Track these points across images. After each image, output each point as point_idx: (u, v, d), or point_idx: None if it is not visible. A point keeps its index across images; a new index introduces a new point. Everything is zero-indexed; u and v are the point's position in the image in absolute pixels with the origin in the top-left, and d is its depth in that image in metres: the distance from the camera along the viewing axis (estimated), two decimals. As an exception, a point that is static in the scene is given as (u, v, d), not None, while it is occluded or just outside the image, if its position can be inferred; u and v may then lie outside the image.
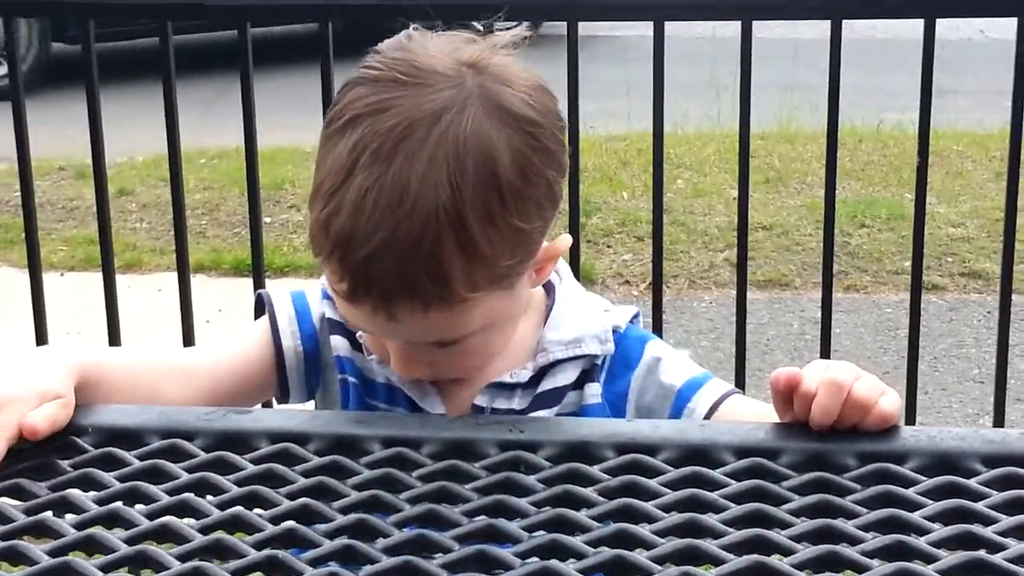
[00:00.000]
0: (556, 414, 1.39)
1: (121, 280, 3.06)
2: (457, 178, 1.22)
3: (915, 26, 2.69)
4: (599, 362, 1.41)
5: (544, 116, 1.29)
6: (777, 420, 1.22)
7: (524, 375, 1.39)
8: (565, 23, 2.63)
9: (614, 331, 1.42)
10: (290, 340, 1.42)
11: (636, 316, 1.46)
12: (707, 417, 1.38)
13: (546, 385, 1.39)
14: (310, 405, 1.47)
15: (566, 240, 1.40)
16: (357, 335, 1.40)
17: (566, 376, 1.40)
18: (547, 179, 1.29)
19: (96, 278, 2.95)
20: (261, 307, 1.46)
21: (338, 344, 1.41)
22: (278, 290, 1.48)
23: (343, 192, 1.23)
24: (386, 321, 1.26)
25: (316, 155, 1.31)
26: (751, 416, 1.30)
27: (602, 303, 1.47)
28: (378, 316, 1.26)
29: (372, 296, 1.24)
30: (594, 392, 1.40)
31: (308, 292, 1.46)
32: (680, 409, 1.40)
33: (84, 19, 2.72)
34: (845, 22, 2.64)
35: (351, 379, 1.40)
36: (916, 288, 2.77)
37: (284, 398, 1.44)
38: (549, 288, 1.45)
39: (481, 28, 1.37)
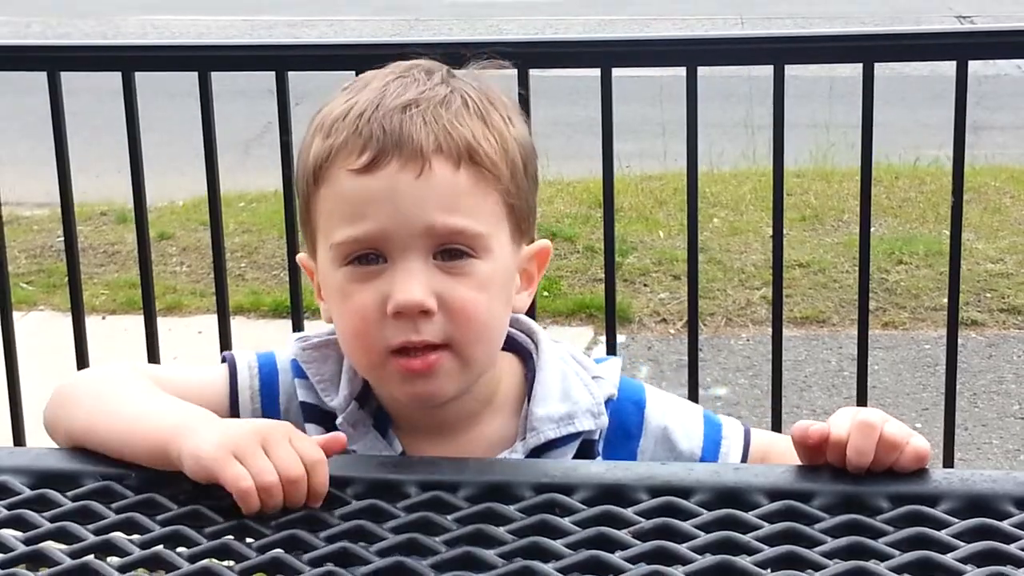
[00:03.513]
0: None
1: (162, 323, 3.10)
2: (475, 87, 1.33)
3: (951, 62, 2.70)
4: (595, 436, 1.36)
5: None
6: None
7: (515, 459, 1.34)
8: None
9: (607, 400, 1.37)
10: (249, 418, 1.37)
11: (619, 366, 1.43)
12: None
13: None
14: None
15: (543, 242, 1.39)
16: (337, 421, 1.34)
17: (562, 458, 1.35)
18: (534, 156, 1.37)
19: (137, 321, 2.98)
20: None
21: (313, 434, 1.32)
22: (245, 356, 1.41)
23: (358, 94, 1.31)
24: (413, 180, 1.25)
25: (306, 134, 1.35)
26: (785, 458, 1.31)
27: (586, 365, 1.41)
28: (404, 176, 1.25)
29: (404, 149, 1.25)
30: None
31: (278, 358, 1.41)
32: None
33: (127, 71, 2.77)
34: (881, 59, 2.66)
35: None
36: (953, 325, 2.76)
37: None
38: (526, 356, 1.40)
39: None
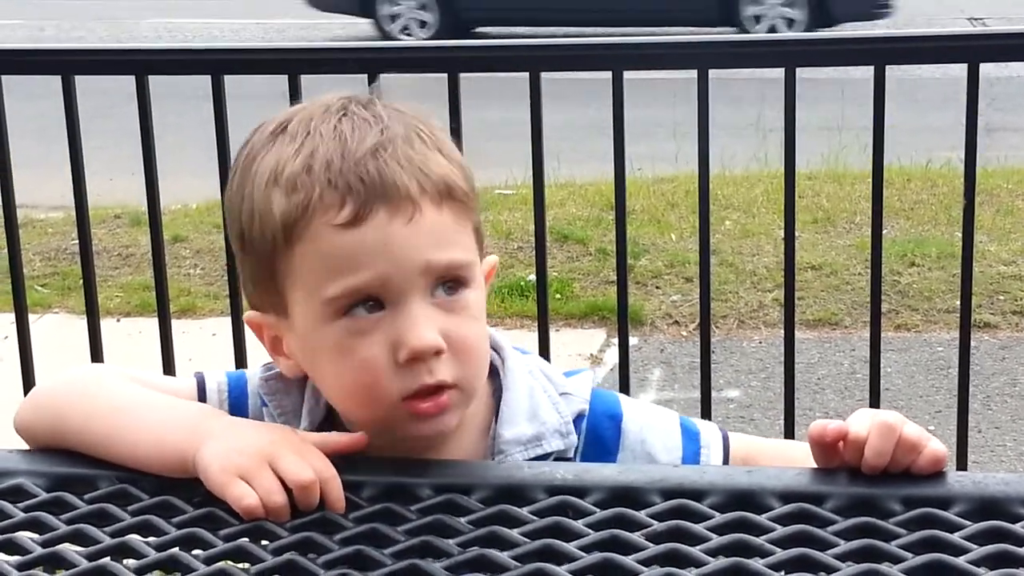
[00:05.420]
0: None
1: (176, 325, 3.11)
2: (415, 117, 1.30)
3: (963, 64, 2.70)
4: (569, 455, 1.34)
5: None
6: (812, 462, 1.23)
7: (528, 461, 1.31)
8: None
9: (579, 416, 1.36)
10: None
11: (591, 379, 1.40)
12: None
13: None
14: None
15: (492, 257, 1.37)
16: None
17: None
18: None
19: (152, 323, 3.00)
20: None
21: None
22: (215, 377, 1.40)
23: (311, 141, 1.25)
24: (404, 226, 1.22)
25: (233, 185, 1.29)
26: (768, 460, 1.32)
27: (554, 380, 1.39)
28: (395, 223, 1.22)
29: (390, 197, 1.22)
30: None
31: (250, 382, 1.38)
32: None
33: (141, 75, 2.78)
34: (892, 61, 2.66)
35: None
36: (965, 328, 2.76)
37: None
38: (492, 371, 1.37)
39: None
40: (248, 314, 1.33)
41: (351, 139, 1.24)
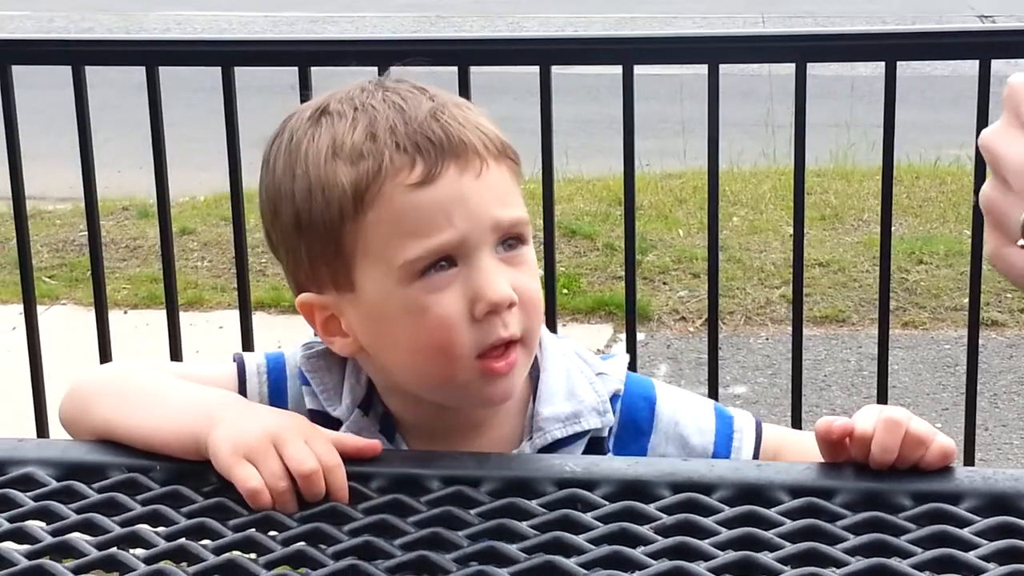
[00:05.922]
0: None
1: (183, 317, 3.11)
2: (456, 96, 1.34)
3: (972, 62, 2.70)
4: (604, 433, 1.36)
5: None
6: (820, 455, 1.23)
7: (537, 454, 1.32)
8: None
9: (614, 396, 1.37)
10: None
11: (628, 363, 1.42)
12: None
13: None
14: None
15: None
16: (341, 429, 1.31)
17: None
18: None
19: (159, 315, 3.00)
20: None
21: None
22: (255, 359, 1.41)
23: (365, 114, 1.28)
24: (474, 180, 1.26)
25: (276, 171, 1.31)
26: (797, 452, 1.32)
27: (589, 361, 1.40)
28: (465, 179, 1.26)
29: (459, 154, 1.26)
30: None
31: (288, 363, 1.40)
32: None
33: (152, 66, 2.78)
34: (904, 58, 2.66)
35: None
36: (974, 325, 2.76)
37: None
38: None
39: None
40: (301, 297, 1.33)
41: (407, 107, 1.28)
